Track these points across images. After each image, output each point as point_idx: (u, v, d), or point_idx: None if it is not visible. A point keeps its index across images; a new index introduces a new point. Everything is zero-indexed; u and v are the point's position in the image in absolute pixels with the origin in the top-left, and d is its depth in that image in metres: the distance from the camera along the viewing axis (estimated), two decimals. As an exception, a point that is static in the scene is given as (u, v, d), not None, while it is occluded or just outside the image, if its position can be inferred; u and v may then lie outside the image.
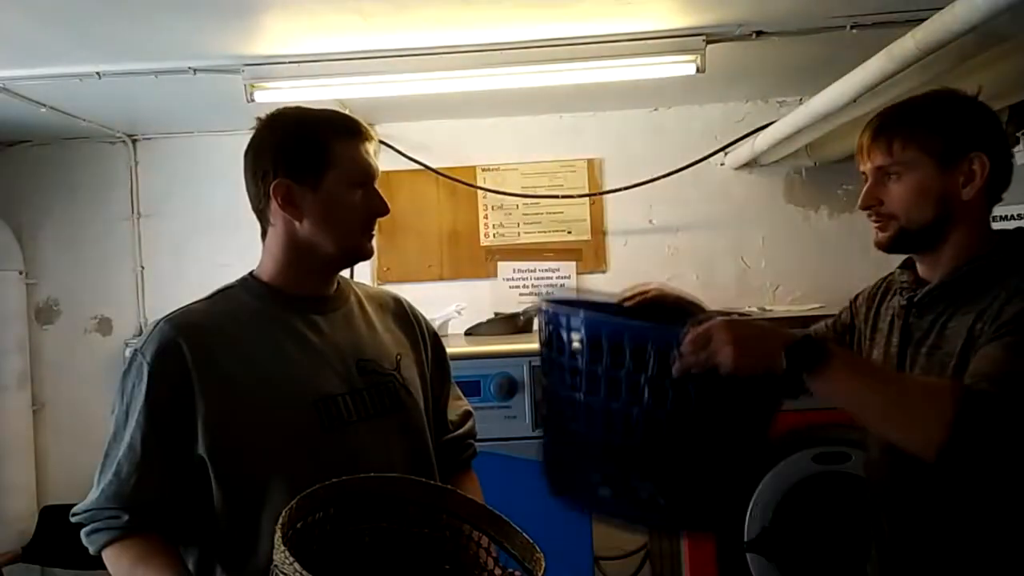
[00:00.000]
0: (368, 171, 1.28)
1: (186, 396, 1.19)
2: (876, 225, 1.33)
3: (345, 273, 1.42)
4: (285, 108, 1.31)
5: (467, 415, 1.53)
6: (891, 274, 1.44)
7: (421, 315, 1.49)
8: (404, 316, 1.45)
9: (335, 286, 1.36)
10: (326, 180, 1.24)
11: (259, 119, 1.30)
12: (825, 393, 1.09)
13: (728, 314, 1.15)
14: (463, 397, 1.56)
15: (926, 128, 1.26)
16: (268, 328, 1.26)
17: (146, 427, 1.18)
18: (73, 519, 1.21)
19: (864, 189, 1.32)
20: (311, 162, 1.24)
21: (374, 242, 1.34)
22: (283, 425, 1.21)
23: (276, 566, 0.92)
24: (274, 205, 1.25)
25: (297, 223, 1.25)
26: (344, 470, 1.14)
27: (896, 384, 1.15)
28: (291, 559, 0.89)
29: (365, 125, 1.30)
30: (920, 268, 1.35)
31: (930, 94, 1.36)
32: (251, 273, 1.32)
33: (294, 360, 1.24)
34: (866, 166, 1.32)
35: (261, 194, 1.26)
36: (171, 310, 1.28)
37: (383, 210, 1.30)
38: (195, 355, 1.20)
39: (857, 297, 1.51)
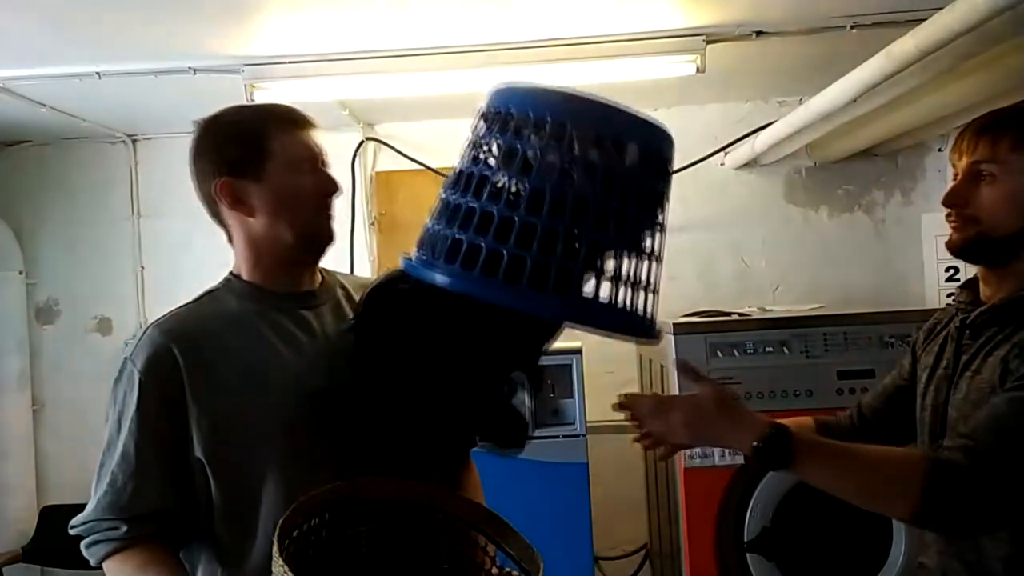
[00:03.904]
0: (310, 153, 1.27)
1: (179, 402, 1.18)
2: (953, 226, 1.26)
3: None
4: (221, 109, 1.30)
5: None
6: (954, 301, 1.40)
7: None
8: None
9: (320, 280, 1.35)
10: (268, 170, 1.23)
11: (195, 123, 1.29)
12: (799, 477, 1.14)
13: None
14: None
15: None
16: (257, 328, 1.25)
17: (139, 436, 1.18)
18: (72, 531, 1.21)
19: (951, 186, 1.26)
20: (249, 155, 1.23)
21: (342, 228, 1.35)
22: (277, 425, 1.20)
23: None
24: (224, 207, 1.25)
25: (251, 219, 1.25)
26: (340, 466, 1.14)
27: (864, 466, 1.15)
28: (290, 574, 0.88)
29: (304, 113, 1.29)
30: (984, 288, 1.30)
31: None
32: (231, 273, 1.32)
33: (285, 359, 1.24)
34: (960, 162, 1.26)
35: (210, 198, 1.26)
36: (168, 311, 1.28)
37: (332, 188, 1.28)
38: (186, 360, 1.19)
39: (918, 335, 1.46)
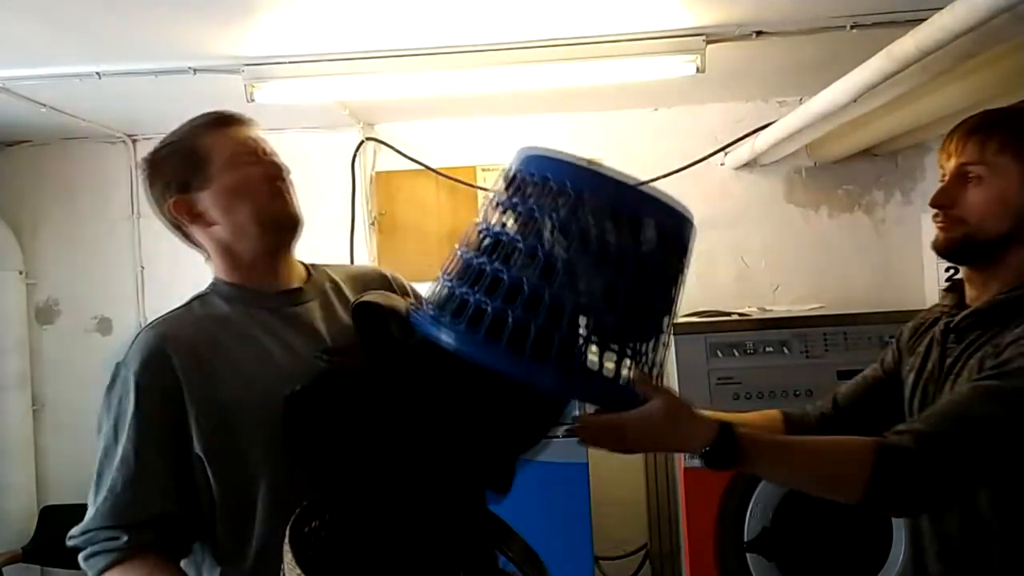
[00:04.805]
0: (247, 147, 1.27)
1: (177, 402, 1.18)
2: (940, 226, 1.27)
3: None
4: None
5: None
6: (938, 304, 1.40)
7: (409, 287, 1.45)
8: (389, 288, 1.40)
9: (307, 276, 1.36)
10: (210, 174, 1.25)
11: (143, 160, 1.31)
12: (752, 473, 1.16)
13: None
14: None
15: None
16: (247, 328, 1.25)
17: (139, 438, 1.17)
18: (70, 543, 1.19)
19: (939, 187, 1.27)
20: (188, 168, 1.25)
21: (295, 207, 1.30)
22: (269, 425, 1.18)
23: None
24: (186, 224, 1.27)
25: (215, 227, 1.26)
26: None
27: (812, 456, 1.15)
28: None
29: (234, 113, 1.30)
30: (968, 290, 1.30)
31: None
32: (216, 277, 1.32)
33: (275, 358, 1.24)
34: (948, 163, 1.26)
35: (174, 222, 1.28)
36: (158, 315, 1.30)
37: (276, 172, 1.27)
38: (180, 360, 1.19)
39: (903, 332, 1.46)
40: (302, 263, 1.39)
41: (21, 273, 3.30)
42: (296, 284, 1.33)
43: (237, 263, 1.29)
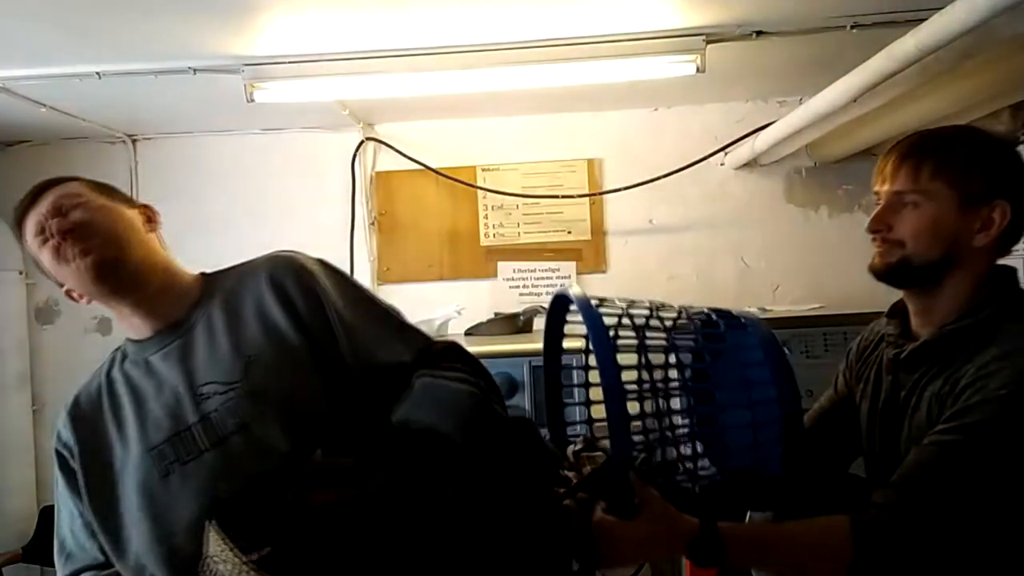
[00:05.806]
0: (35, 229, 1.26)
1: (71, 460, 1.27)
2: (878, 250, 1.27)
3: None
4: None
5: (415, 351, 1.29)
6: (878, 322, 1.40)
7: (318, 277, 1.30)
8: (283, 288, 1.28)
9: (193, 300, 1.32)
10: (45, 269, 1.28)
11: None
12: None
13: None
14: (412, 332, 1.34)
15: (959, 163, 1.20)
16: (119, 387, 1.29)
17: (71, 498, 1.25)
18: None
19: (875, 212, 1.27)
20: (40, 269, 1.29)
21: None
22: (130, 483, 1.21)
23: (210, 557, 0.91)
24: (88, 303, 1.31)
25: (91, 298, 1.29)
26: (193, 513, 1.13)
27: (792, 545, 1.18)
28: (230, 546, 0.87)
29: (28, 192, 1.34)
30: (914, 318, 1.30)
31: (966, 129, 1.31)
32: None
33: (131, 414, 1.26)
34: (883, 188, 1.26)
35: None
36: None
37: (59, 236, 1.24)
38: (75, 423, 1.28)
39: (850, 353, 1.47)
40: (204, 274, 1.37)
41: (21, 273, 3.30)
42: (181, 315, 1.30)
43: (124, 319, 1.32)
